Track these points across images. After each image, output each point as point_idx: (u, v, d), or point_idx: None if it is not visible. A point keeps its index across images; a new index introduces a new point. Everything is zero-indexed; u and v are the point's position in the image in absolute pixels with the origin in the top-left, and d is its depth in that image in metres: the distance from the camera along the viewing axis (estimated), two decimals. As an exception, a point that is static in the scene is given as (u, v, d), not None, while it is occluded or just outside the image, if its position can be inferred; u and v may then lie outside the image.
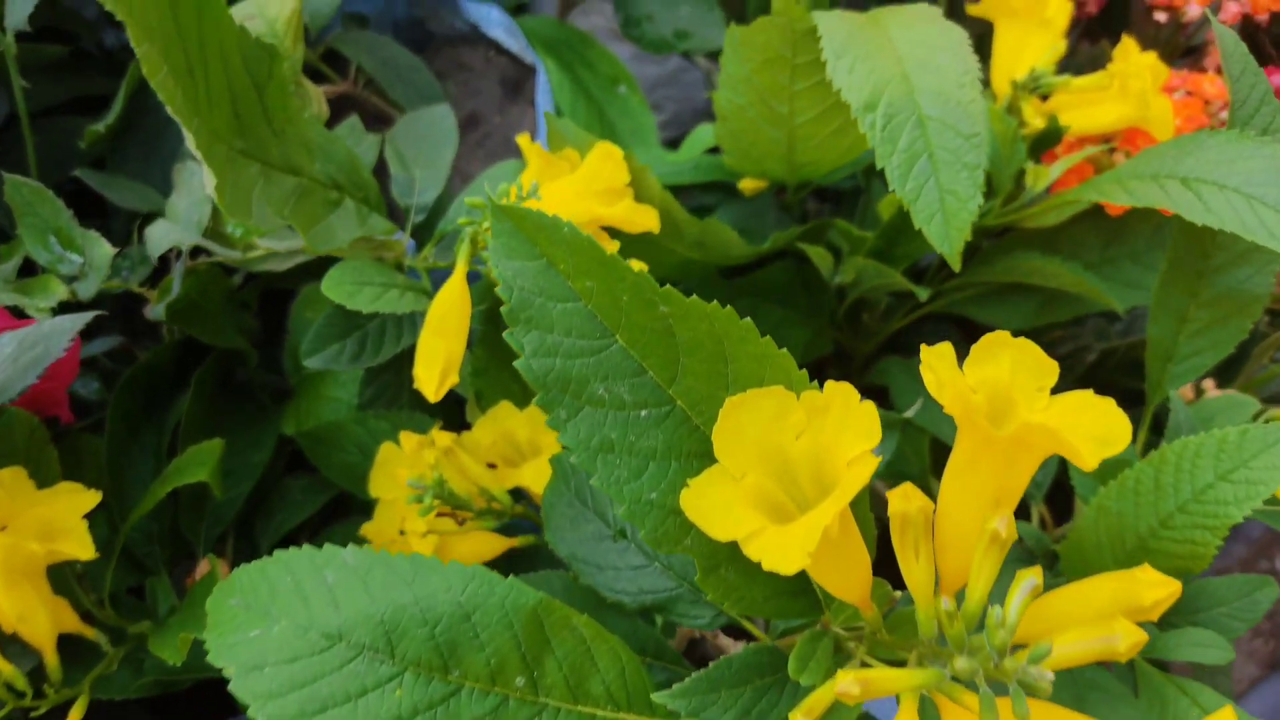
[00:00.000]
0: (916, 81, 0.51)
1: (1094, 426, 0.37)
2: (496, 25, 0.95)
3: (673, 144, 1.29)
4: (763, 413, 0.38)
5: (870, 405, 0.37)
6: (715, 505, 0.37)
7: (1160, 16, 0.92)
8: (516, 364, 0.36)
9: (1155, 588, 0.38)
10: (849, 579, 0.39)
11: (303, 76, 0.64)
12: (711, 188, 0.81)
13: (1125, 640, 0.33)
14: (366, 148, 0.69)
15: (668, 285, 0.37)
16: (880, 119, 0.50)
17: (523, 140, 0.62)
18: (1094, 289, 0.72)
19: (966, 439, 0.37)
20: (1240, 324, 0.64)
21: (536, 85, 0.92)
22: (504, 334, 0.36)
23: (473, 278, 0.57)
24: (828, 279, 0.74)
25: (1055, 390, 0.87)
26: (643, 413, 0.38)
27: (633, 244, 0.67)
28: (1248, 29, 1.00)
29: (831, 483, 0.37)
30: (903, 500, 0.35)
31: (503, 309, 0.36)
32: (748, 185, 0.75)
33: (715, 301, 0.38)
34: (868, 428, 0.37)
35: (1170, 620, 0.65)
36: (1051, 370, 0.39)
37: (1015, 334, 0.87)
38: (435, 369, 0.52)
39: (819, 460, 0.38)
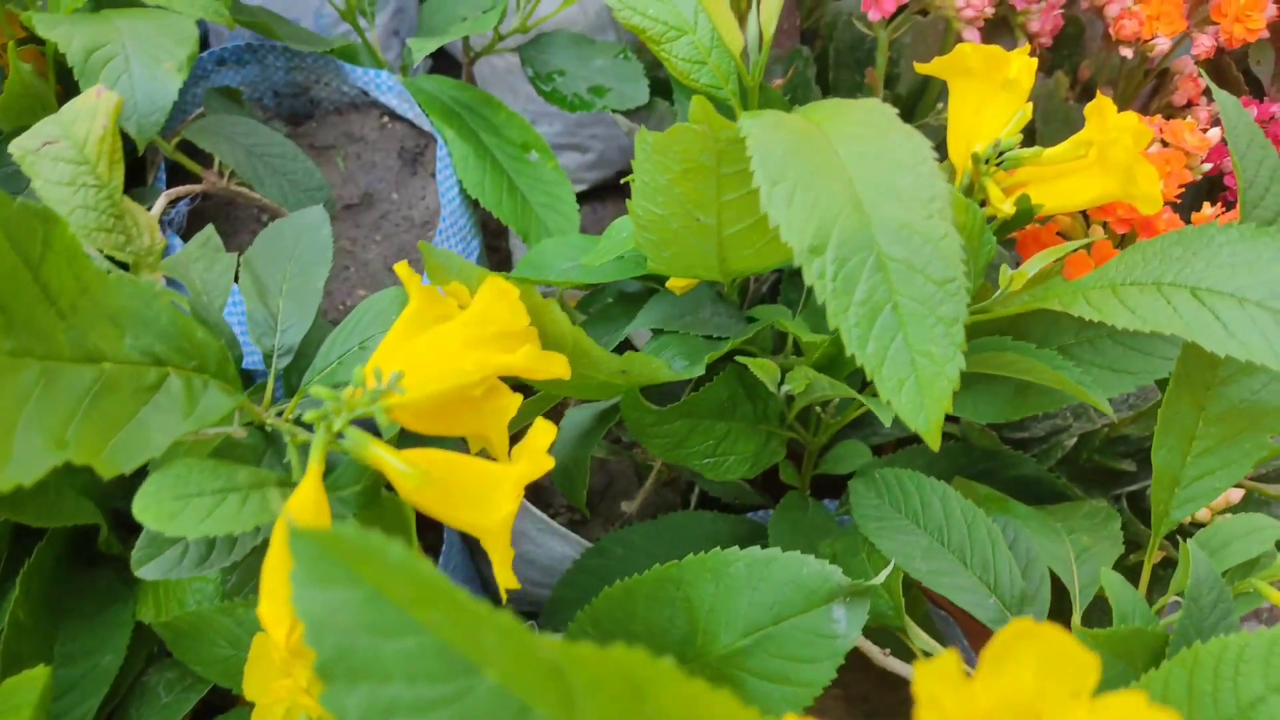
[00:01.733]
0: (873, 212, 0.41)
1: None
2: (387, 90, 0.83)
3: (602, 189, 1.19)
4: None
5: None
6: None
7: (1126, 52, 0.82)
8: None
9: None
10: None
11: (128, 204, 0.53)
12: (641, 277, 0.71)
13: None
14: (219, 273, 0.57)
15: (545, 633, 0.26)
16: (830, 264, 0.40)
17: (400, 270, 0.51)
18: (1074, 385, 0.63)
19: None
20: (1256, 440, 0.55)
21: (436, 159, 0.81)
22: (319, 697, 0.25)
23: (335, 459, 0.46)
24: (774, 390, 0.64)
25: (1032, 489, 0.78)
26: (530, 763, 0.27)
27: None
28: (1216, 59, 0.91)
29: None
30: None
31: (315, 665, 0.25)
32: (677, 285, 0.65)
33: (619, 653, 0.27)
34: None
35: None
36: (1091, 668, 0.29)
37: (982, 429, 0.78)
38: (285, 608, 0.41)
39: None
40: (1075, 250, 0.59)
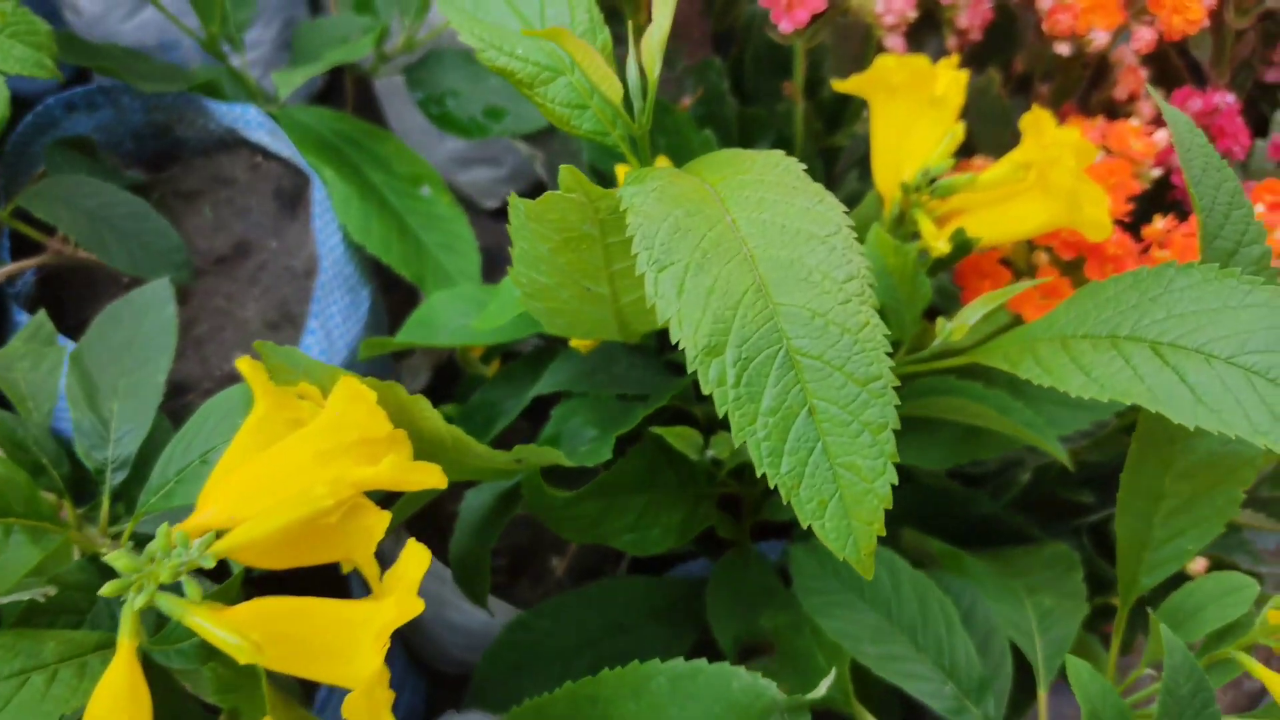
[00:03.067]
0: (780, 298, 0.34)
1: None
2: (258, 127, 0.75)
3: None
4: None
5: None
6: None
7: (1063, 49, 0.76)
8: None
9: None
10: None
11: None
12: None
13: None
14: (46, 372, 0.50)
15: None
16: (732, 367, 0.33)
17: (243, 366, 0.43)
18: (1024, 431, 0.57)
19: None
20: (1229, 495, 0.49)
21: (312, 204, 0.72)
22: None
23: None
24: (698, 458, 0.57)
25: (989, 529, 0.72)
26: None
27: (448, 468, 0.50)
28: (1158, 51, 0.85)
29: None
30: None
31: None
32: (581, 345, 0.58)
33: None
34: None
35: None
36: None
37: (934, 473, 0.72)
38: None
39: None
40: (1020, 289, 0.52)
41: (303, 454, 0.41)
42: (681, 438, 0.54)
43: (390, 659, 0.88)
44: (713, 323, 0.33)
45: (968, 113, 0.95)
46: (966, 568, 0.60)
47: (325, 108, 0.78)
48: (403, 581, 0.39)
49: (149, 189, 0.74)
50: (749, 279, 0.34)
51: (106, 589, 0.33)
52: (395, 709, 0.89)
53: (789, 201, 0.36)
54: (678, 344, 0.34)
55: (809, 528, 0.59)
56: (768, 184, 0.37)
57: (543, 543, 0.87)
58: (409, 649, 0.92)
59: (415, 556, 0.40)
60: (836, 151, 0.86)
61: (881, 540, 0.35)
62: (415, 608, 0.38)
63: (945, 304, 0.70)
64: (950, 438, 0.64)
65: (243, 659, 0.34)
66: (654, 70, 0.41)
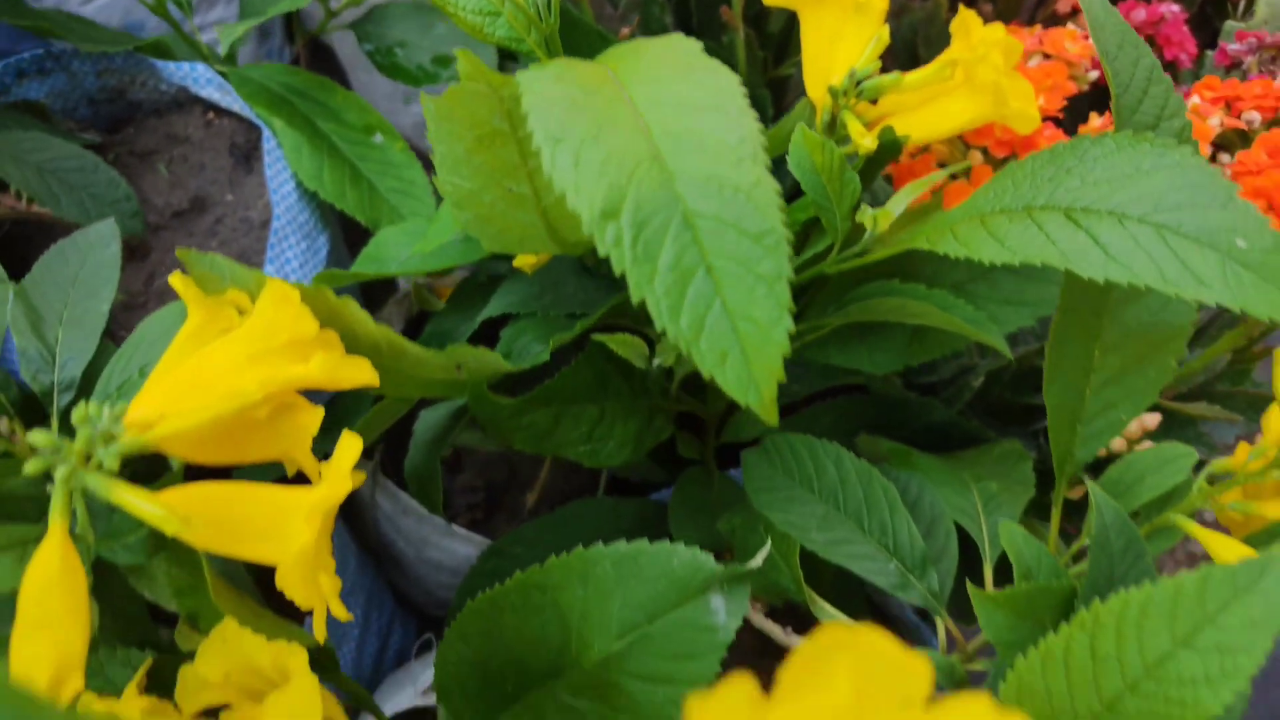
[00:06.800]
0: (675, 164, 0.35)
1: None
2: (207, 84, 0.76)
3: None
4: None
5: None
6: None
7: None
8: None
9: None
10: None
11: None
12: (497, 255, 0.65)
13: None
14: (-7, 308, 0.51)
15: None
16: (628, 229, 0.34)
17: (175, 281, 0.44)
18: (965, 327, 0.58)
19: None
20: (1161, 365, 0.50)
21: (263, 153, 0.73)
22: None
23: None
24: (644, 366, 0.58)
25: (945, 435, 0.73)
26: None
27: (385, 375, 0.51)
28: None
29: None
30: None
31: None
32: (525, 262, 0.59)
33: None
34: None
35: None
36: (921, 674, 0.23)
37: (886, 377, 0.73)
38: (42, 673, 0.35)
39: None
40: (947, 179, 0.53)
41: (233, 356, 0.42)
42: (625, 344, 0.55)
43: (379, 603, 0.89)
44: (608, 189, 0.34)
45: (917, 39, 0.96)
46: (915, 462, 0.61)
47: (275, 63, 0.79)
48: (334, 467, 0.40)
49: (104, 150, 0.75)
50: (644, 148, 0.35)
51: (29, 466, 0.34)
52: (385, 651, 0.90)
53: (684, 78, 0.37)
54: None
55: (761, 438, 0.61)
56: (664, 63, 0.38)
57: (518, 480, 0.88)
58: (397, 593, 0.93)
59: (348, 445, 0.41)
60: (784, 81, 0.87)
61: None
62: (345, 487, 0.39)
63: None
64: (899, 341, 0.65)
65: (169, 530, 0.35)
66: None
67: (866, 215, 0.49)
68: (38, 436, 0.34)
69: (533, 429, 0.57)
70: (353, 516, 0.87)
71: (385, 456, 0.84)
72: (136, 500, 0.36)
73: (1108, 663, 0.37)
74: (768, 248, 0.34)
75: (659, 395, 0.65)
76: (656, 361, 0.59)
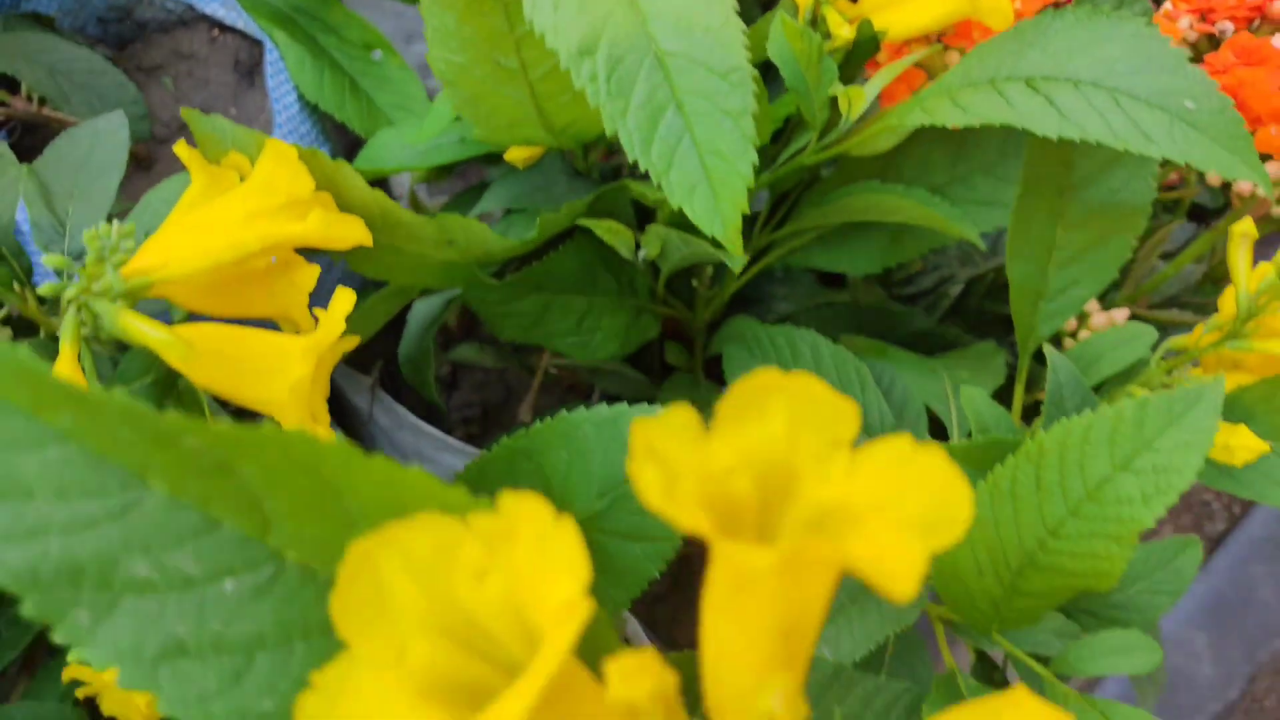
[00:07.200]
0: (648, 6, 0.37)
1: (916, 503, 0.24)
2: (211, 1, 0.78)
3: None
4: (416, 556, 0.24)
5: (570, 527, 0.24)
6: (364, 708, 0.24)
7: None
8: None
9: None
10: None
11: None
12: (491, 159, 0.67)
13: None
14: (6, 185, 0.53)
15: (193, 419, 0.23)
16: (603, 65, 0.36)
17: (180, 149, 0.47)
18: (940, 220, 0.60)
19: (722, 564, 0.24)
20: (1121, 243, 0.53)
21: (265, 65, 0.76)
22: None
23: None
24: (630, 256, 0.60)
25: (926, 343, 0.75)
26: (227, 585, 0.24)
27: (379, 255, 0.53)
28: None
29: (542, 634, 0.25)
30: (626, 682, 0.22)
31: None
32: (516, 155, 0.61)
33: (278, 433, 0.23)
34: (570, 559, 0.24)
35: (1084, 606, 0.55)
36: (850, 415, 0.26)
37: (868, 278, 0.76)
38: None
39: (518, 605, 0.25)
40: (913, 64, 0.55)
41: (233, 213, 0.44)
42: (611, 231, 0.57)
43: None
44: (585, 29, 0.37)
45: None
46: (890, 354, 0.63)
47: (277, -19, 0.81)
48: (328, 315, 0.43)
49: (112, 64, 0.78)
50: (619, -7, 0.37)
51: (43, 289, 0.37)
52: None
53: (659, -70, 0.39)
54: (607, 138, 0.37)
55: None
56: (640, -82, 0.40)
57: (513, 398, 0.90)
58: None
59: (342, 297, 0.44)
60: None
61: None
62: (338, 329, 0.42)
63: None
64: (879, 243, 0.67)
65: (173, 356, 0.37)
66: None
67: (840, 92, 0.51)
68: (51, 259, 0.37)
69: (522, 316, 0.59)
70: (350, 433, 0.90)
71: (383, 373, 0.87)
72: (142, 326, 0.38)
73: (1051, 490, 0.39)
74: (734, 84, 0.36)
75: (646, 296, 0.68)
76: (642, 254, 0.62)
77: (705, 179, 0.37)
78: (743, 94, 0.37)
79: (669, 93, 0.37)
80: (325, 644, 0.26)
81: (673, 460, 0.24)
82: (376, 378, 0.85)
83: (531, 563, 0.24)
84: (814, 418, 0.26)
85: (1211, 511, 1.18)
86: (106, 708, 0.51)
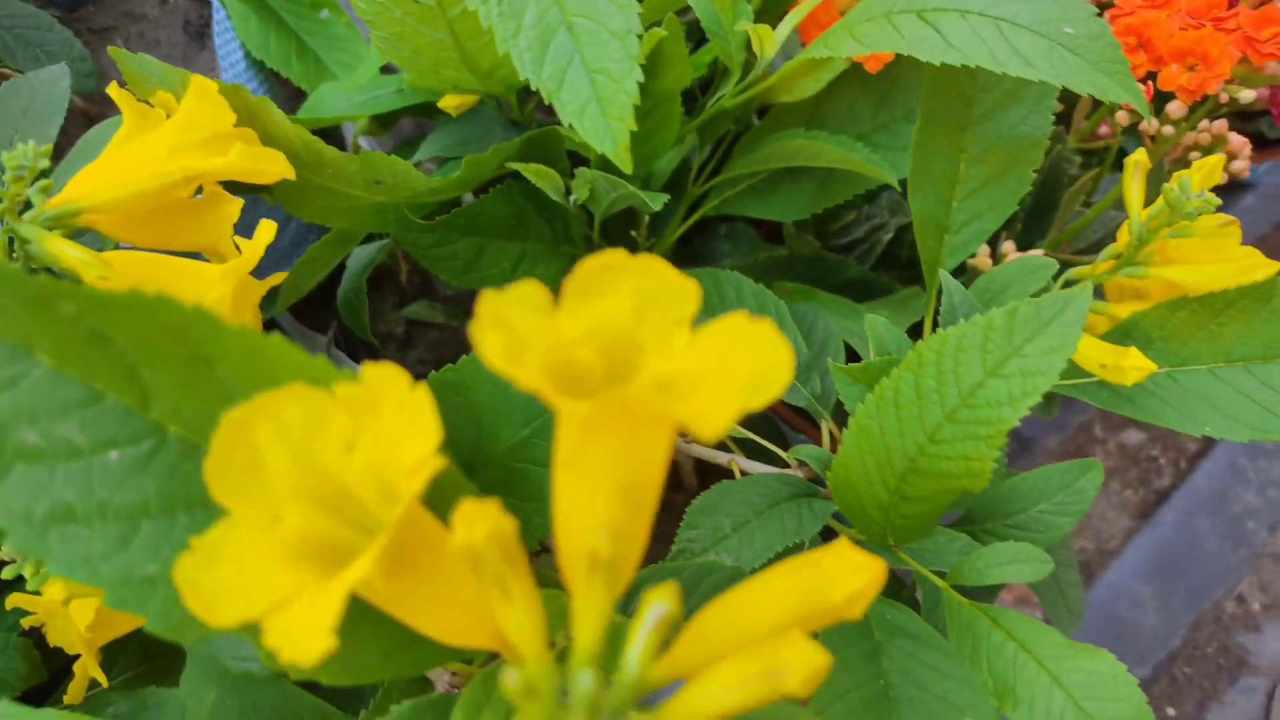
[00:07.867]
0: (539, -68, 0.39)
1: (743, 369, 0.26)
2: (160, -39, 0.80)
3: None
4: (287, 426, 0.26)
5: (424, 394, 0.26)
6: (238, 570, 0.26)
7: None
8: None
9: (847, 578, 0.27)
10: (458, 620, 0.28)
11: None
12: (430, 111, 0.69)
13: (797, 671, 0.23)
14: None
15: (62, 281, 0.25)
16: (493, -11, 0.38)
17: (113, 91, 0.48)
18: (860, 163, 0.62)
19: (562, 423, 0.26)
20: (1020, 176, 0.55)
21: (213, 24, 0.77)
22: None
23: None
24: (561, 201, 0.62)
25: (859, 291, 0.77)
26: (112, 455, 0.26)
27: (310, 195, 0.55)
28: None
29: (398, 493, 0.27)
30: (467, 526, 0.24)
31: None
32: (449, 103, 0.63)
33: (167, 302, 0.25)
34: (424, 424, 0.26)
35: (986, 526, 0.57)
36: (691, 295, 0.28)
37: (800, 224, 0.78)
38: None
39: (380, 469, 0.27)
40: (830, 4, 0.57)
41: (158, 148, 0.46)
42: (541, 175, 0.59)
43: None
44: (479, -45, 0.39)
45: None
46: (814, 296, 0.65)
47: (226, -56, 0.83)
48: (250, 244, 0.45)
49: (59, 23, 0.79)
50: (511, -78, 0.39)
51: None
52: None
53: None
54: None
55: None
56: None
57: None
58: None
59: (264, 229, 0.46)
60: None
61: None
62: (257, 254, 0.44)
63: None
64: (807, 190, 0.69)
65: (90, 275, 0.39)
66: None
67: (750, 29, 0.53)
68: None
69: (455, 260, 0.61)
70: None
71: (338, 334, 0.89)
72: (64, 247, 0.40)
73: (930, 396, 0.42)
74: (619, 5, 0.38)
75: (582, 244, 0.69)
76: (573, 198, 0.64)
77: (594, 98, 0.39)
78: (627, 15, 0.39)
79: (559, 14, 0.39)
80: (207, 516, 0.28)
81: (519, 329, 0.26)
82: (331, 337, 0.87)
83: (392, 429, 0.26)
84: (659, 296, 0.28)
85: (1159, 467, 1.21)
86: (52, 638, 0.53)
